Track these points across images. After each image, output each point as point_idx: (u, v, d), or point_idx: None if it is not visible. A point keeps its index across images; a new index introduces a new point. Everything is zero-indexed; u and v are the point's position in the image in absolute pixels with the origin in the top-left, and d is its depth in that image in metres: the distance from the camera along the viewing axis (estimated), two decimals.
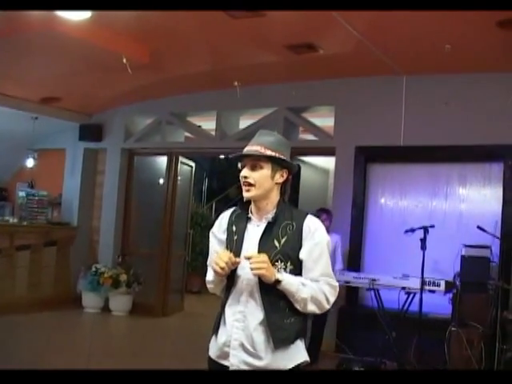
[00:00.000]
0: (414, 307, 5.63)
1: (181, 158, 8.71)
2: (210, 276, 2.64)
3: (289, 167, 2.60)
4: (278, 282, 2.41)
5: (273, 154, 2.54)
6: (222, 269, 2.42)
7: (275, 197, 2.59)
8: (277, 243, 2.50)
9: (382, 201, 6.96)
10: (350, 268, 6.49)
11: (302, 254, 2.49)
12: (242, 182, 2.59)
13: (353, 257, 6.74)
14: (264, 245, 2.50)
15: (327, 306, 2.50)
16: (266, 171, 2.55)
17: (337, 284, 2.53)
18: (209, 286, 2.68)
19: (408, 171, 6.83)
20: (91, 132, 8.87)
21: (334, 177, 7.20)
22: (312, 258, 2.49)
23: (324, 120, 7.63)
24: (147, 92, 8.01)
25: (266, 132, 2.66)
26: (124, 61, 6.11)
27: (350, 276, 5.97)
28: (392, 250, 6.60)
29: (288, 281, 2.42)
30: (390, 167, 6.94)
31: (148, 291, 8.44)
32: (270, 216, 2.56)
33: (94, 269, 8.37)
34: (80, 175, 9.02)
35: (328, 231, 5.18)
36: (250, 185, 2.55)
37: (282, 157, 2.56)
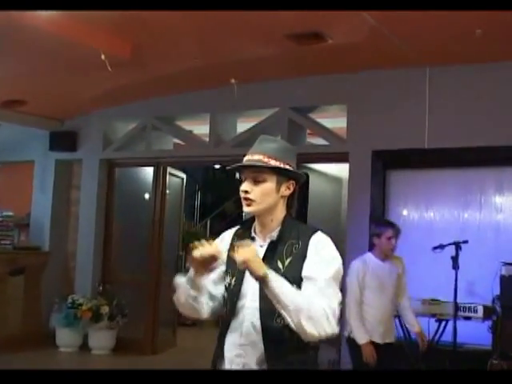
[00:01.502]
0: (447, 337, 5.63)
1: (169, 169, 8.77)
2: (180, 278, 2.68)
3: (296, 178, 2.63)
4: (266, 279, 2.37)
5: (278, 164, 2.57)
6: (200, 253, 2.42)
7: (280, 212, 2.63)
8: (280, 265, 2.53)
9: (405, 213, 6.98)
10: None
11: (304, 270, 2.50)
12: (242, 197, 2.61)
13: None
14: (267, 266, 2.49)
15: (328, 329, 2.39)
16: (269, 184, 2.58)
17: (336, 306, 2.44)
18: (176, 291, 2.71)
19: (434, 178, 6.86)
20: (63, 141, 8.92)
21: (347, 187, 7.24)
22: (315, 274, 2.46)
23: (335, 121, 7.67)
24: (129, 93, 8.05)
25: (268, 138, 2.68)
26: (102, 57, 6.15)
27: None
28: (418, 271, 6.59)
29: (279, 280, 2.39)
30: (414, 174, 6.97)
31: (134, 325, 8.45)
32: (275, 234, 2.60)
33: (70, 300, 8.37)
34: (51, 191, 9.06)
35: (392, 251, 5.01)
36: (250, 200, 2.58)
37: (288, 167, 2.59)
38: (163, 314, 8.69)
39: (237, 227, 2.76)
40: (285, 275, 2.47)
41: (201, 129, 8.55)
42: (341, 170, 8.99)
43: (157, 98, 8.29)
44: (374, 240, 5.21)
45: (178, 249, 9.14)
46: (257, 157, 2.59)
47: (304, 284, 2.48)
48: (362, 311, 5.00)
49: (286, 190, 2.61)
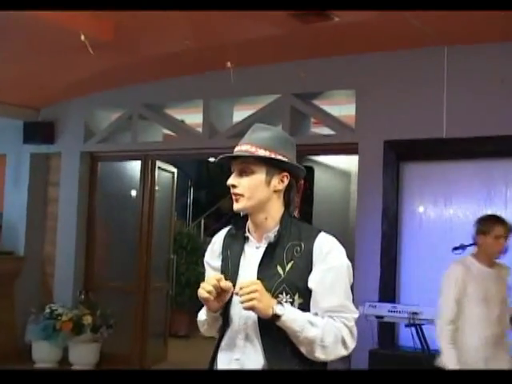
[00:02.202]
0: None
1: (159, 163, 8.81)
2: (201, 315, 2.70)
3: (290, 170, 2.64)
4: (276, 317, 2.43)
5: (266, 153, 2.59)
6: (209, 292, 2.46)
7: (276, 209, 2.64)
8: (280, 270, 2.55)
9: (421, 210, 7.00)
10: (382, 299, 6.53)
11: (311, 282, 2.53)
12: (231, 192, 2.64)
13: (385, 284, 6.80)
14: (264, 272, 2.55)
15: (343, 352, 2.50)
16: (258, 176, 2.60)
17: (353, 323, 2.52)
18: (202, 328, 2.74)
19: (454, 171, 6.87)
20: (39, 132, 8.95)
21: (357, 181, 7.27)
22: (323, 286, 2.51)
23: (342, 108, 7.70)
24: (113, 78, 8.08)
25: (260, 127, 2.71)
26: (82, 38, 6.15)
27: (384, 309, 6.01)
28: (437, 274, 6.59)
29: (290, 316, 2.44)
30: (431, 166, 6.98)
31: (121, 337, 8.47)
32: (272, 235, 2.61)
33: (48, 310, 8.40)
34: (26, 188, 9.10)
35: (500, 254, 4.70)
36: (238, 194, 2.61)
37: (278, 156, 2.60)
38: (153, 325, 8.73)
39: (228, 227, 2.78)
40: (285, 281, 2.51)
41: (193, 118, 8.57)
42: (349, 162, 9.04)
43: (144, 84, 8.32)
44: (478, 239, 4.76)
45: (169, 252, 9.19)
46: (245, 147, 2.62)
47: (314, 301, 2.51)
48: (457, 331, 4.56)
49: (279, 183, 2.62)
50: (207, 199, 14.22)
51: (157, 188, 8.81)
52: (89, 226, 8.96)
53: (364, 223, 6.94)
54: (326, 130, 7.73)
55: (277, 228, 2.61)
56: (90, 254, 8.96)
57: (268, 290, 2.47)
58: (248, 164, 2.60)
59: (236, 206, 2.62)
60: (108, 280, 8.89)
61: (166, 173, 9.11)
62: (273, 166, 2.60)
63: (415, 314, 5.79)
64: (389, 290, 6.80)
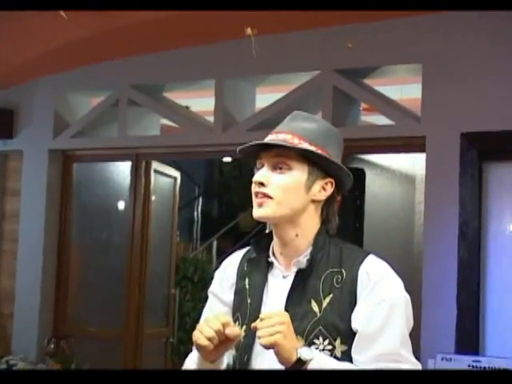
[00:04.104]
0: None
1: (155, 165, 8.86)
2: (190, 363, 2.73)
3: (338, 175, 2.69)
4: (301, 363, 2.43)
5: (312, 148, 2.64)
6: (210, 340, 2.46)
7: (311, 225, 2.69)
8: (316, 307, 2.59)
9: None
10: (460, 349, 6.54)
11: (355, 322, 2.56)
12: (253, 193, 2.67)
13: (465, 327, 6.76)
14: (294, 309, 2.58)
15: None
16: (297, 175, 2.65)
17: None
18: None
19: None
20: None
21: (424, 189, 7.26)
22: (370, 327, 2.54)
23: (404, 89, 7.69)
24: (92, 49, 8.11)
25: (303, 115, 2.77)
26: None
27: (463, 363, 6.02)
28: None
29: (321, 363, 2.45)
30: None
31: None
32: (304, 259, 2.65)
33: (3, 365, 8.44)
34: None
35: None
36: (266, 196, 2.64)
37: (326, 155, 2.65)
38: None
39: (246, 249, 2.83)
40: (323, 322, 2.55)
41: (202, 104, 8.62)
42: (413, 163, 9.02)
43: (135, 58, 8.34)
44: None
45: (169, 284, 9.23)
46: (283, 136, 2.66)
47: (358, 348, 2.53)
48: None
49: (321, 190, 2.68)
50: (221, 213, 14.29)
51: (153, 198, 8.83)
52: (61, 249, 8.97)
53: (434, 245, 6.90)
54: (382, 120, 7.74)
55: (310, 250, 2.65)
56: (62, 288, 8.98)
57: (299, 333, 2.50)
58: (285, 158, 2.65)
59: (259, 212, 2.64)
60: (86, 323, 8.93)
61: (165, 178, 9.16)
62: (317, 166, 2.65)
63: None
64: (469, 337, 6.75)
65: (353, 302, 2.56)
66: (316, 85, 7.62)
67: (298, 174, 2.63)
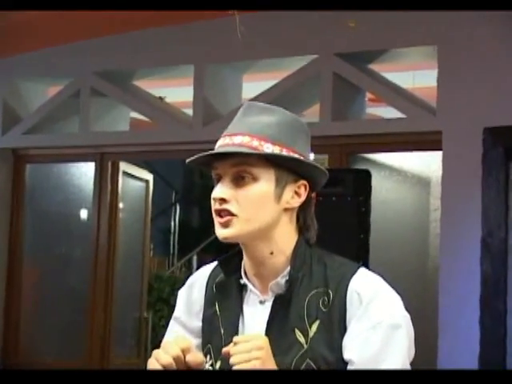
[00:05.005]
0: None
1: (123, 166, 8.89)
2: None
3: (312, 176, 2.66)
4: None
5: (275, 149, 2.60)
6: (166, 367, 2.44)
7: (288, 238, 2.67)
8: (301, 337, 2.58)
9: None
10: None
11: (347, 351, 2.53)
12: (214, 211, 2.64)
13: (489, 353, 6.76)
14: (277, 341, 2.55)
15: None
16: (263, 186, 2.61)
17: None
18: None
19: None
20: None
21: (440, 193, 7.27)
22: (364, 356, 2.51)
23: (417, 76, 7.67)
24: (49, 28, 8.10)
25: (257, 106, 2.75)
26: None
27: None
28: None
29: None
30: None
31: None
32: (282, 280, 2.63)
33: None
34: None
35: None
36: (230, 214, 2.60)
37: (295, 156, 2.61)
38: None
39: (213, 265, 2.79)
40: (310, 354, 2.53)
41: (179, 94, 8.68)
42: (428, 163, 9.01)
43: (100, 39, 8.34)
44: None
45: (140, 307, 9.23)
46: (239, 139, 2.65)
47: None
48: None
49: (294, 196, 2.65)
50: (202, 223, 14.30)
51: (121, 205, 8.86)
52: (11, 266, 8.99)
53: (452, 259, 6.92)
54: (391, 112, 7.74)
55: (288, 268, 2.61)
56: (13, 312, 8.98)
57: (284, 368, 2.49)
58: (247, 166, 2.61)
59: (224, 233, 2.61)
60: (41, 354, 8.96)
61: (135, 181, 9.20)
62: (286, 170, 2.62)
63: None
64: (495, 364, 6.74)
65: (343, 328, 2.53)
66: (313, 71, 7.64)
67: (264, 183, 2.59)
